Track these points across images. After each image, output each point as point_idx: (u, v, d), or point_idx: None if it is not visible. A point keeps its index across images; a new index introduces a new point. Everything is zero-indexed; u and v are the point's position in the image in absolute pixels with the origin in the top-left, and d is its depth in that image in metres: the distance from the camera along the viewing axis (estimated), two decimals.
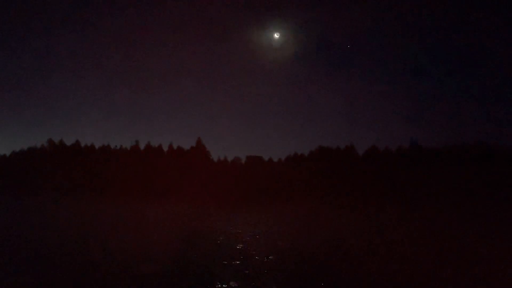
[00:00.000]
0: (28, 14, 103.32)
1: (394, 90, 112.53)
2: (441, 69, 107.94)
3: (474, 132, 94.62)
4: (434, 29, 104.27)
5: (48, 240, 14.93)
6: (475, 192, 45.04)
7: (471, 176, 48.44)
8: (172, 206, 40.84)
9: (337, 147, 68.62)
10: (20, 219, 23.76)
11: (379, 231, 22.68)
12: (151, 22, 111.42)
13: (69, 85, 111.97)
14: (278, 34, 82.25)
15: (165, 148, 71.98)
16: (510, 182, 43.44)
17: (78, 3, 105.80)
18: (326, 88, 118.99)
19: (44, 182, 59.01)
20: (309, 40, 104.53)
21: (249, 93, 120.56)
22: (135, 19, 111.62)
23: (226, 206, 43.29)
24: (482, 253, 14.64)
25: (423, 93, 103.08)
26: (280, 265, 11.43)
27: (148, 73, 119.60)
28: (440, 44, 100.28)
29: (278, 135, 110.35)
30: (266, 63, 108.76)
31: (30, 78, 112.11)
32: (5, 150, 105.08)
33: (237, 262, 11.59)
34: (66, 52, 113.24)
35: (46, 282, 8.85)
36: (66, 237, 16.03)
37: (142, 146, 71.73)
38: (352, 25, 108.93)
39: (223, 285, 8.98)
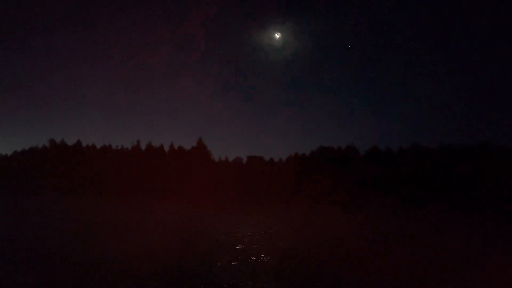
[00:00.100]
0: (29, 15, 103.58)
1: (395, 90, 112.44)
2: (441, 69, 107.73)
3: (474, 132, 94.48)
4: (434, 29, 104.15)
5: (49, 240, 14.96)
6: (476, 192, 44.95)
7: (472, 176, 48.36)
8: (173, 206, 40.86)
9: (338, 147, 68.64)
10: (21, 218, 23.78)
11: (379, 231, 22.70)
12: (152, 23, 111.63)
13: (70, 85, 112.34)
14: (279, 34, 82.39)
15: (166, 148, 72.12)
16: (511, 181, 43.41)
17: (79, 3, 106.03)
18: (327, 88, 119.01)
19: (46, 182, 59.17)
20: (310, 40, 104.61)
21: (250, 93, 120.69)
22: (136, 19, 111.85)
23: (226, 206, 43.27)
24: (483, 252, 14.67)
25: (424, 93, 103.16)
26: (280, 265, 11.45)
27: (149, 73, 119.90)
28: (440, 44, 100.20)
29: (279, 135, 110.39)
30: (267, 63, 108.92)
31: (31, 79, 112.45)
32: (6, 150, 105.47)
33: (237, 263, 11.61)
34: (67, 52, 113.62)
35: (47, 282, 8.89)
36: (67, 236, 16.06)
37: (143, 146, 71.87)
38: (353, 25, 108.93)
39: (223, 285, 9.02)
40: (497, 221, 30.55)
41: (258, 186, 64.37)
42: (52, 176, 61.32)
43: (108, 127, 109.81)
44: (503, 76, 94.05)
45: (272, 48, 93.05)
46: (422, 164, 55.43)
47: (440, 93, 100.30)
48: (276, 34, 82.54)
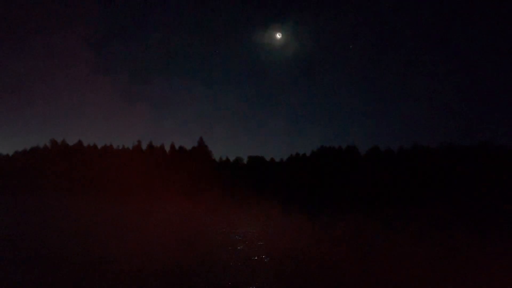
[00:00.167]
0: (30, 15, 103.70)
1: (395, 90, 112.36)
2: (441, 70, 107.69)
3: (474, 132, 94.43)
4: (435, 30, 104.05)
5: (49, 240, 15.03)
6: (476, 192, 44.95)
7: (472, 175, 48.36)
8: (174, 205, 40.92)
9: (339, 147, 68.59)
10: (22, 218, 23.88)
11: (380, 230, 22.75)
12: (153, 23, 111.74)
13: (71, 85, 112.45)
14: (280, 34, 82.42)
15: (167, 148, 72.13)
16: (511, 181, 43.42)
17: (80, 4, 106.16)
18: (328, 88, 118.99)
19: (46, 182, 59.26)
20: (311, 40, 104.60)
21: (251, 93, 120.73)
22: (137, 19, 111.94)
23: (227, 206, 43.32)
24: (483, 252, 14.71)
25: (424, 93, 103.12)
26: (279, 266, 11.51)
27: (150, 73, 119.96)
28: (440, 45, 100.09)
29: (280, 135, 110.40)
30: (268, 63, 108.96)
31: (32, 79, 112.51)
32: (8, 150, 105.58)
33: (236, 263, 11.68)
34: (69, 52, 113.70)
35: (47, 281, 8.96)
36: (68, 236, 16.12)
37: (144, 146, 71.91)
38: (354, 25, 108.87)
39: (224, 285, 9.10)
40: (497, 221, 30.56)
41: (259, 186, 64.37)
42: (53, 176, 61.45)
43: (109, 127, 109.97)
44: (503, 76, 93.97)
45: (273, 48, 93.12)
46: (422, 164, 55.43)
47: (440, 93, 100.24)
48: (277, 34, 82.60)
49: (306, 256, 13.26)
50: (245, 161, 74.39)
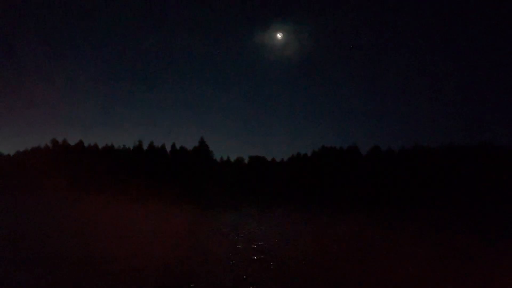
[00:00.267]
0: (31, 15, 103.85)
1: (396, 91, 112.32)
2: (442, 70, 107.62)
3: (475, 133, 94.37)
4: (436, 30, 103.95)
5: (50, 240, 15.02)
6: (476, 191, 44.94)
7: (473, 175, 48.35)
8: (174, 205, 40.94)
9: (340, 147, 68.62)
10: (23, 218, 23.90)
11: (381, 230, 22.73)
12: (154, 23, 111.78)
13: (72, 85, 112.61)
14: (281, 34, 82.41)
15: (168, 148, 72.19)
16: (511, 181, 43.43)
17: (82, 4, 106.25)
18: (329, 88, 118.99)
19: (48, 182, 59.33)
20: (312, 40, 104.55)
21: (252, 93, 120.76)
22: (138, 19, 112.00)
23: (228, 206, 43.34)
24: (484, 252, 14.70)
25: (425, 94, 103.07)
26: (280, 266, 11.50)
27: (151, 73, 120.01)
28: (441, 45, 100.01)
29: (281, 135, 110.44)
30: (269, 63, 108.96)
31: (33, 79, 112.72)
32: (9, 149, 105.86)
33: (236, 263, 11.67)
34: (70, 53, 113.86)
35: (48, 282, 8.95)
36: (68, 236, 16.12)
37: (145, 146, 71.98)
38: (355, 25, 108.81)
39: (223, 286, 9.09)
40: (497, 221, 30.53)
41: (260, 186, 64.45)
42: (54, 175, 61.52)
43: (110, 127, 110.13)
44: (504, 76, 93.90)
45: (274, 48, 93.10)
46: (423, 164, 55.43)
47: (441, 93, 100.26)
48: (278, 34, 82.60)
49: (306, 256, 13.23)
50: (246, 161, 74.51)
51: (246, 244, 15.38)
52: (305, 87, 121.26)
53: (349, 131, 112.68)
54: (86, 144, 72.83)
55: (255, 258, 12.47)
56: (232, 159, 75.26)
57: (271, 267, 11.17)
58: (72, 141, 72.86)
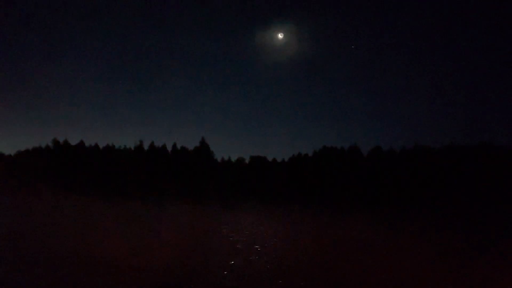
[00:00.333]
0: (32, 15, 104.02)
1: (397, 91, 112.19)
2: (443, 70, 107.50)
3: (476, 133, 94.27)
4: (436, 30, 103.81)
5: (51, 240, 14.97)
6: (477, 192, 44.79)
7: (474, 176, 48.19)
8: (175, 205, 40.90)
9: (341, 147, 68.44)
10: (24, 218, 23.84)
11: (383, 231, 22.63)
12: (154, 23, 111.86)
13: (73, 85, 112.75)
14: (282, 34, 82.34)
15: (169, 148, 72.10)
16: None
17: (82, 4, 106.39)
18: (330, 88, 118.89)
19: (48, 182, 59.31)
20: (313, 40, 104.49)
21: (253, 93, 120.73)
22: (139, 19, 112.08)
23: (229, 206, 43.27)
24: (484, 252, 14.58)
25: (426, 94, 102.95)
26: (280, 266, 11.39)
27: (152, 73, 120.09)
28: (442, 45, 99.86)
29: (282, 135, 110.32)
30: (270, 63, 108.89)
31: (34, 78, 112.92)
32: (10, 150, 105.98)
33: (236, 264, 11.55)
34: (70, 52, 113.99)
35: (48, 282, 8.87)
36: (69, 236, 16.08)
37: (146, 146, 71.94)
38: (356, 25, 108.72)
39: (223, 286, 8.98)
40: (498, 221, 30.43)
41: (261, 186, 64.37)
42: (55, 176, 61.51)
43: (111, 127, 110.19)
44: (504, 76, 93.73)
45: (275, 48, 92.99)
46: (424, 164, 55.28)
47: (442, 94, 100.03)
48: (279, 34, 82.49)
49: (307, 256, 13.16)
50: (247, 161, 74.36)
51: (246, 244, 15.29)
52: (306, 87, 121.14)
53: (350, 131, 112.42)
54: (87, 144, 72.82)
55: (255, 258, 12.38)
56: (233, 159, 75.20)
57: (271, 267, 11.07)
58: (73, 141, 72.87)
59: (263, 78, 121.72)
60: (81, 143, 72.61)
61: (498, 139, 73.40)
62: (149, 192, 56.69)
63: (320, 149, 69.79)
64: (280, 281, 9.48)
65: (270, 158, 74.20)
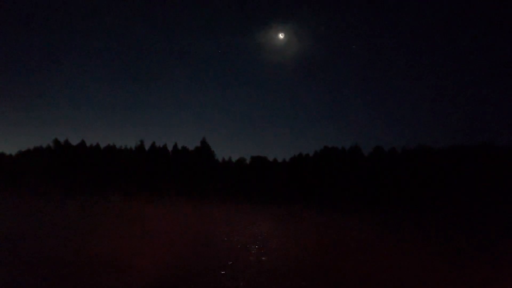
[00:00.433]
0: (32, 15, 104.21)
1: (398, 91, 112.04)
2: (444, 70, 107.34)
3: (478, 133, 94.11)
4: (437, 30, 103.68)
5: (51, 240, 14.92)
6: (479, 192, 44.67)
7: (476, 176, 48.06)
8: (176, 206, 40.85)
9: (342, 148, 68.35)
10: (25, 218, 23.82)
11: (384, 231, 22.52)
12: (155, 23, 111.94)
13: (74, 85, 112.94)
14: (283, 34, 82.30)
15: (170, 148, 72.11)
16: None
17: (83, 4, 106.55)
18: (331, 88, 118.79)
19: (49, 182, 59.34)
20: (314, 40, 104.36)
21: (253, 93, 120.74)
22: (139, 20, 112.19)
23: (230, 206, 43.20)
24: (485, 252, 14.49)
25: (428, 94, 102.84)
26: (281, 266, 11.31)
27: (153, 73, 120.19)
28: (443, 45, 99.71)
29: (283, 136, 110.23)
30: (271, 63, 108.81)
31: (35, 79, 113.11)
32: (11, 150, 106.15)
33: (237, 265, 11.48)
34: (71, 52, 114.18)
35: (49, 282, 8.82)
36: (70, 236, 16.03)
37: (147, 146, 71.96)
38: (357, 25, 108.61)
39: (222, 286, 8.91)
40: (499, 221, 30.31)
41: (262, 186, 64.32)
42: (56, 176, 61.55)
43: (111, 127, 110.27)
44: (505, 76, 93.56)
45: (276, 49, 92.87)
46: (425, 164, 55.15)
47: (443, 94, 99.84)
48: (280, 34, 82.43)
49: (307, 256, 13.08)
50: (247, 161, 74.31)
51: (246, 244, 15.21)
52: (307, 87, 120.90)
53: (351, 131, 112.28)
54: (88, 144, 72.87)
55: (256, 258, 12.30)
56: (234, 159, 75.20)
57: (272, 267, 11.01)
58: (74, 141, 72.95)
59: (264, 78, 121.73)
60: (82, 143, 72.70)
61: (499, 139, 73.34)
62: (150, 192, 56.69)
63: (321, 149, 69.80)
64: (280, 281, 9.41)
65: (271, 158, 74.28)
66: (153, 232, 18.52)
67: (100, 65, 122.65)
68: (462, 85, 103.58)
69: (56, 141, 71.83)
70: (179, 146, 72.35)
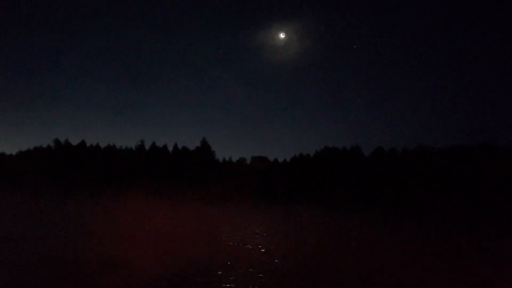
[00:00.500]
0: (32, 15, 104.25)
1: (399, 91, 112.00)
2: (445, 70, 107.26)
3: (478, 133, 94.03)
4: (438, 31, 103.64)
5: (51, 240, 14.92)
6: (480, 192, 44.61)
7: (476, 176, 48.01)
8: (177, 206, 40.81)
9: (343, 148, 68.24)
10: (25, 218, 23.84)
11: (385, 231, 22.50)
12: (156, 23, 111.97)
13: (74, 85, 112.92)
14: (284, 34, 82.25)
15: (170, 148, 72.02)
16: None
17: (83, 4, 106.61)
18: (332, 88, 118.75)
19: (49, 182, 59.32)
20: (314, 40, 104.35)
21: (254, 93, 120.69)
22: (140, 20, 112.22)
23: (230, 206, 43.18)
24: (486, 252, 14.46)
25: (429, 94, 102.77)
26: (281, 266, 11.30)
27: (153, 73, 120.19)
28: (443, 45, 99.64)
29: (284, 136, 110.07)
30: (272, 63, 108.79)
31: (35, 78, 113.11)
32: (11, 149, 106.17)
33: (238, 264, 11.46)
34: (72, 53, 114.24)
35: (49, 283, 8.81)
36: (70, 236, 16.02)
37: (147, 146, 71.89)
38: (358, 25, 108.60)
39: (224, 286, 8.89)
40: (499, 221, 30.27)
41: (263, 186, 64.23)
42: (56, 176, 61.52)
43: (112, 127, 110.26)
44: (506, 76, 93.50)
45: (277, 48, 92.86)
46: (426, 164, 55.10)
47: (444, 94, 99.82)
48: (281, 34, 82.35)
49: (307, 256, 13.05)
50: (248, 161, 74.21)
51: (246, 244, 15.19)
52: (308, 87, 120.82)
53: (351, 131, 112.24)
54: (88, 144, 72.81)
55: (256, 258, 12.27)
56: (234, 159, 75.08)
57: (272, 267, 11.00)
58: (74, 141, 72.91)
59: (264, 78, 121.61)
60: (82, 143, 72.64)
61: (499, 140, 73.21)
62: (150, 192, 56.60)
63: (322, 149, 69.70)
64: (281, 281, 9.39)
65: (271, 158, 74.16)
66: (153, 232, 18.49)
67: (100, 65, 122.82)
68: (462, 85, 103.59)
69: (56, 141, 71.85)
70: (180, 146, 72.33)
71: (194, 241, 16.05)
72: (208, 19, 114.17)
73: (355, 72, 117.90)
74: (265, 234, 18.71)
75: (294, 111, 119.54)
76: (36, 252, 12.22)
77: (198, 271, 10.21)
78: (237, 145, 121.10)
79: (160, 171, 65.37)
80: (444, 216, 34.77)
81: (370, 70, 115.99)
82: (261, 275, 9.95)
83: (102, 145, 73.13)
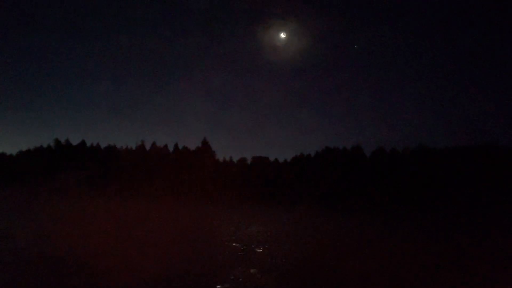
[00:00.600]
0: (32, 15, 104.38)
1: (400, 91, 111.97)
2: (446, 70, 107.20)
3: (479, 133, 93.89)
4: (439, 31, 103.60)
5: (52, 240, 14.93)
6: (480, 193, 44.54)
7: (477, 176, 47.92)
8: (177, 206, 40.83)
9: (344, 148, 68.13)
10: (25, 218, 23.85)
11: (385, 231, 22.51)
12: (156, 23, 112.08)
13: (74, 85, 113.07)
14: (285, 33, 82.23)
15: (171, 148, 71.97)
16: None
17: (84, 4, 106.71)
18: (333, 89, 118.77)
19: (50, 182, 59.31)
20: (315, 40, 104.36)
21: (255, 93, 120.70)
22: (141, 20, 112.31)
23: (231, 206, 43.18)
24: (487, 252, 14.45)
25: (429, 94, 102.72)
26: (281, 266, 11.29)
27: (154, 73, 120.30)
28: (443, 45, 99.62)
29: (284, 136, 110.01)
30: (272, 62, 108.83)
31: (36, 78, 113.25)
32: (11, 149, 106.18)
33: (238, 264, 11.46)
34: (72, 52, 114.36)
35: (49, 283, 8.81)
36: (70, 236, 16.02)
37: (147, 146, 71.85)
38: (359, 25, 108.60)
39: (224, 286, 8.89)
40: (499, 221, 30.23)
41: (263, 186, 64.18)
42: (57, 176, 61.51)
43: (112, 127, 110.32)
44: (506, 76, 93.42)
45: (278, 48, 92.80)
46: (427, 164, 55.01)
47: (445, 94, 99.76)
48: (282, 34, 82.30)
49: (308, 256, 13.05)
50: (249, 161, 74.11)
51: (247, 244, 15.19)
52: (309, 87, 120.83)
53: (352, 131, 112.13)
54: (88, 144, 72.79)
55: (256, 258, 12.26)
56: (235, 159, 74.97)
57: (272, 267, 10.98)
58: (74, 141, 72.91)
59: (265, 78, 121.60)
60: (83, 143, 72.65)
61: (501, 140, 73.06)
62: (151, 192, 56.59)
63: (323, 149, 69.55)
64: (281, 281, 9.38)
65: (272, 158, 74.05)
66: (153, 232, 18.51)
67: (101, 65, 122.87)
68: (463, 85, 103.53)
69: (56, 141, 71.85)
70: (180, 146, 72.25)
71: (194, 241, 16.06)
72: (208, 19, 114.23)
73: (356, 72, 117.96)
74: (265, 234, 18.71)
75: (294, 111, 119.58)
76: (36, 252, 12.23)
77: (198, 271, 10.20)
78: (238, 145, 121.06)
79: (160, 171, 65.29)
80: (445, 216, 34.75)
81: (370, 70, 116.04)
82: (261, 275, 9.95)
83: (102, 145, 73.22)
